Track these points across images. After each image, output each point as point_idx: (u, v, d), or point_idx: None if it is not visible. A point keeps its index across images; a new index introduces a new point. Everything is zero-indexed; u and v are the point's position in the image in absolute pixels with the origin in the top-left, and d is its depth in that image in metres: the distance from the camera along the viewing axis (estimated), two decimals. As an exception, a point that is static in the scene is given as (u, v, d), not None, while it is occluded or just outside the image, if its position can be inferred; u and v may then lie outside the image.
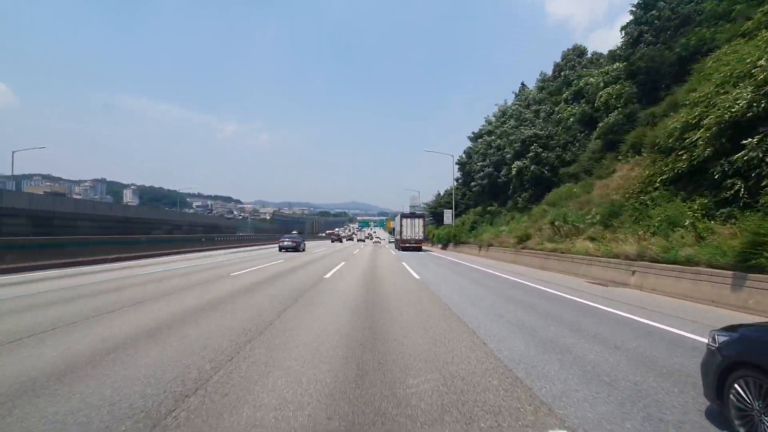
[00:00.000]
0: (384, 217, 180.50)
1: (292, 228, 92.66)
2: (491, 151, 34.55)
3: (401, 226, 34.70)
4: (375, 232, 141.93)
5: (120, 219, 45.93)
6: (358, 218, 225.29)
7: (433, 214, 64.91)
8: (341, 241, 74.34)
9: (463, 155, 40.99)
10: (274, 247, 33.77)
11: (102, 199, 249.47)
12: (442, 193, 66.17)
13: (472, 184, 36.60)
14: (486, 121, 40.61)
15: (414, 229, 33.97)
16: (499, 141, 34.00)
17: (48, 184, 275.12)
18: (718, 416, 2.96)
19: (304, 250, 30.37)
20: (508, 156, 30.15)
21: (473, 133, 41.88)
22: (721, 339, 2.89)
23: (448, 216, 43.32)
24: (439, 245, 43.58)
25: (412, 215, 36.41)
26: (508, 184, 31.56)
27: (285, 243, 30.03)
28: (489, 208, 33.26)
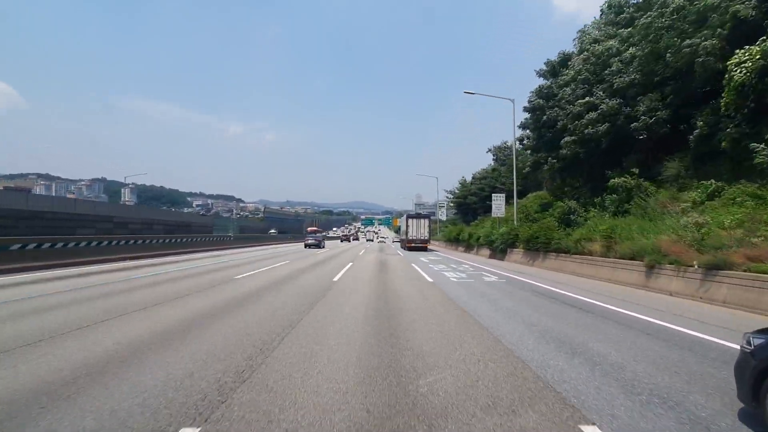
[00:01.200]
0: (388, 216, 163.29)
1: (279, 227, 76.92)
2: (613, 67, 16.98)
3: (407, 226, 34.31)
4: (379, 231, 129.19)
5: (26, 215, 29.84)
6: (362, 216, 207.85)
7: (460, 206, 47.25)
8: (349, 241, 71.26)
9: (534, 96, 23.01)
10: (235, 255, 24.02)
11: (97, 197, 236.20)
12: (469, 179, 48.53)
13: (565, 140, 18.87)
14: (580, 36, 22.60)
15: (420, 229, 33.35)
16: (630, 51, 16.44)
17: (43, 183, 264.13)
18: (752, 418, 2.76)
19: (324, 246, 35.84)
20: (706, 43, 12.40)
21: (547, 63, 24.01)
22: (757, 341, 2.76)
23: (498, 204, 25.87)
24: (486, 251, 26.17)
25: (417, 216, 35.73)
26: (662, 125, 14.15)
27: (309, 241, 35.86)
28: (620, 178, 15.63)
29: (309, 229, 48.31)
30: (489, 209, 40.71)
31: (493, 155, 48.80)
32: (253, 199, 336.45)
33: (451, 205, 51.27)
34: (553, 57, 23.51)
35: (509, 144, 47.42)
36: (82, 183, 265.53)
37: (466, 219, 44.28)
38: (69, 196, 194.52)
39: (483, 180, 42.38)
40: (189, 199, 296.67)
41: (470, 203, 42.84)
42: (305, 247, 34.67)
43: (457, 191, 49.09)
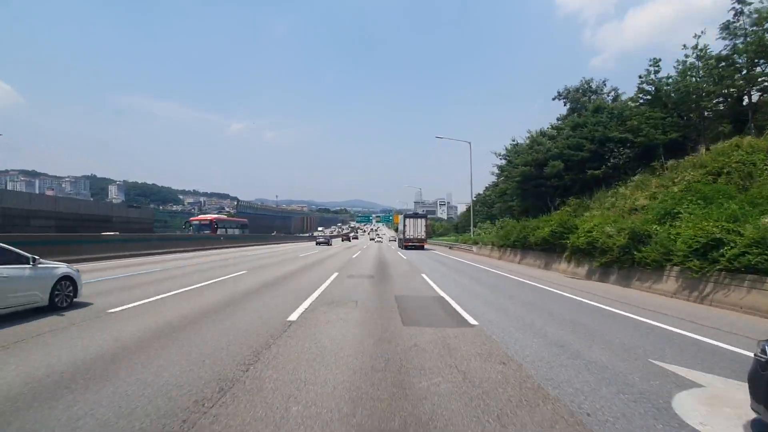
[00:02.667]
0: (388, 213, 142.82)
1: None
2: None
3: (405, 225, 33.96)
4: (378, 229, 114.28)
5: None
6: (359, 214, 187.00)
7: (526, 180, 25.86)
8: (349, 239, 66.93)
9: None
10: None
11: (78, 194, 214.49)
12: (530, 134, 27.45)
13: None
14: None
15: (417, 229, 32.91)
16: None
17: (24, 179, 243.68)
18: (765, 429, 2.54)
19: (331, 244, 40.30)
20: None
21: None
22: None
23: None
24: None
25: (415, 215, 35.40)
26: None
27: (320, 240, 41.12)
28: None
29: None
30: (585, 186, 19.23)
31: (568, 103, 28.18)
32: (250, 197, 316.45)
33: (503, 177, 30.36)
34: None
35: (593, 83, 26.68)
36: (67, 180, 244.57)
37: (537, 205, 23.38)
38: (48, 192, 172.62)
39: (577, 130, 21.40)
40: (181, 196, 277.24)
41: (548, 176, 21.82)
42: (316, 244, 37.87)
43: (506, 156, 27.83)
